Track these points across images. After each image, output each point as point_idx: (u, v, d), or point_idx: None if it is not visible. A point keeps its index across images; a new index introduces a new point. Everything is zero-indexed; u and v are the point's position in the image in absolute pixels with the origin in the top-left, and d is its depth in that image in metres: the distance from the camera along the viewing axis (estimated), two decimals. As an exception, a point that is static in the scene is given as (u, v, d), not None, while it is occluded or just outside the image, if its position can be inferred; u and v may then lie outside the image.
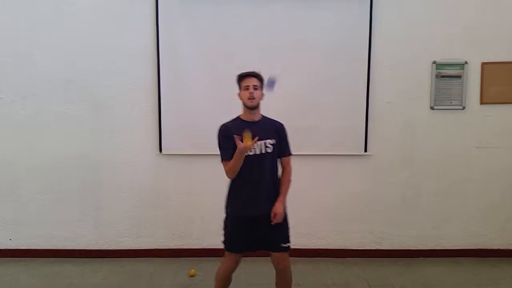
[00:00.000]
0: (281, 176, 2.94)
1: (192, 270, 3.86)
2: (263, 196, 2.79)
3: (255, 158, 2.71)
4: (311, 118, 4.11)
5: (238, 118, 2.83)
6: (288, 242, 2.92)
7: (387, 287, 3.60)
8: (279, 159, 2.89)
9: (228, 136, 2.67)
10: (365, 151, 4.16)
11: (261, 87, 2.78)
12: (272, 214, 2.77)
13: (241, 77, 2.79)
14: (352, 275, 3.89)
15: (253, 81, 2.73)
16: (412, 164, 4.21)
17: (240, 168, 2.66)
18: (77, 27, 4.05)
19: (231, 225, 2.90)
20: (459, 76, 4.09)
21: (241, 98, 2.78)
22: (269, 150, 2.76)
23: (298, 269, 3.98)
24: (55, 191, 4.20)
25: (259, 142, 2.69)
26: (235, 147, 2.60)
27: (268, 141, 2.76)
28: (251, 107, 2.74)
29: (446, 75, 4.09)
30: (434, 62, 4.08)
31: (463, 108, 4.13)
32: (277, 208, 2.79)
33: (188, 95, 4.09)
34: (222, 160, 2.76)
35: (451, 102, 4.13)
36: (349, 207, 4.26)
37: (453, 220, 4.23)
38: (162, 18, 4.02)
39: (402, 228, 4.26)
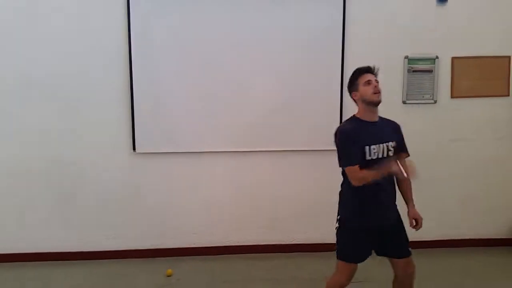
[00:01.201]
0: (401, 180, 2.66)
1: (169, 270, 3.80)
2: (387, 204, 2.57)
3: (379, 163, 2.43)
4: (288, 114, 4.12)
5: (355, 118, 2.56)
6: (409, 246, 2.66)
7: (366, 280, 3.64)
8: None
9: (354, 139, 2.43)
10: (340, 146, 4.19)
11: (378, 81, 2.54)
12: (411, 221, 2.58)
13: (359, 73, 2.54)
14: (331, 268, 3.91)
15: (373, 76, 2.52)
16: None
17: None
18: (42, 24, 3.90)
19: (350, 236, 2.58)
20: (430, 71, 4.18)
21: (361, 96, 2.50)
22: (391, 154, 2.51)
23: (276, 265, 4.00)
24: (27, 194, 4.05)
25: (381, 145, 2.47)
26: (361, 154, 2.41)
27: (390, 143, 2.52)
28: (377, 103, 2.48)
29: (418, 69, 4.16)
30: (406, 57, 4.14)
31: (435, 102, 4.22)
32: (416, 213, 2.60)
33: (163, 91, 4.01)
34: (348, 165, 2.44)
35: (423, 96, 4.21)
36: (323, 201, 4.26)
37: (428, 212, 4.31)
38: (133, 12, 3.91)
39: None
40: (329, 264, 3.95)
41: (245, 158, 4.18)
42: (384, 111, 4.11)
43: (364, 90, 2.47)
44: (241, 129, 4.10)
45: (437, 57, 4.16)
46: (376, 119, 2.54)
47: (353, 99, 2.59)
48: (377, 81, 2.50)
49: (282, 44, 4.05)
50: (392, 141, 2.52)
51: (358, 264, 2.60)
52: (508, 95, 4.27)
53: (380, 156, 2.45)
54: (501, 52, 4.23)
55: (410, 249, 2.61)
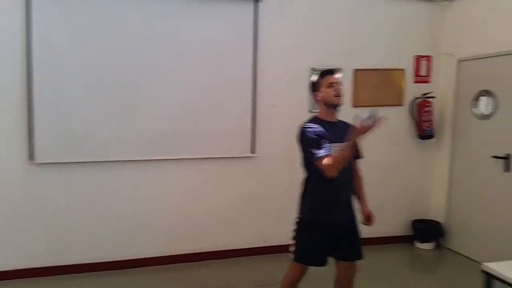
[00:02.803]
0: (355, 179, 2.75)
1: (72, 288, 3.56)
2: (348, 202, 2.63)
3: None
4: (200, 122, 4.10)
5: (316, 118, 2.60)
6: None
7: (274, 282, 3.75)
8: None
9: (319, 133, 2.44)
10: (252, 152, 4.28)
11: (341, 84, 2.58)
12: (365, 217, 2.67)
13: (324, 74, 2.57)
14: (239, 274, 3.99)
15: (336, 78, 2.54)
16: (296, 163, 4.40)
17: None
18: None
19: (310, 235, 2.58)
20: (334, 82, 4.45)
21: (323, 97, 2.54)
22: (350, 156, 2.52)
23: (185, 275, 3.96)
24: None
25: (340, 145, 2.45)
26: (327, 143, 2.41)
27: None
28: (338, 105, 2.53)
29: (324, 80, 4.41)
30: (312, 69, 4.37)
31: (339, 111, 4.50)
32: (370, 210, 2.67)
33: (67, 97, 3.74)
34: (320, 157, 2.37)
35: (328, 106, 4.47)
36: (236, 208, 4.34)
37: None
38: (35, 15, 3.58)
39: (289, 224, 4.48)
40: (238, 270, 4.08)
41: (155, 166, 4.06)
42: (294, 118, 4.34)
43: (326, 92, 2.52)
44: (150, 137, 3.97)
45: (340, 69, 4.44)
46: (336, 120, 2.62)
47: (315, 99, 2.63)
48: (340, 84, 2.54)
49: (194, 51, 4.02)
50: None
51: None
52: (402, 105, 4.72)
53: None
54: (396, 65, 4.65)
55: (361, 253, 2.66)
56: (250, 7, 4.11)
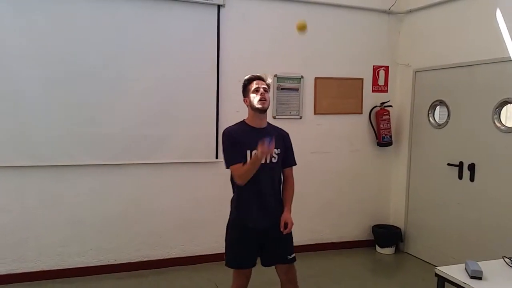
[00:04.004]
0: (284, 185, 2.74)
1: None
2: (271, 207, 2.63)
3: (262, 167, 2.48)
4: (163, 126, 4.07)
5: (243, 122, 2.64)
6: (293, 253, 2.69)
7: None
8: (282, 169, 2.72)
9: (235, 140, 2.53)
10: (216, 157, 4.28)
11: (268, 91, 2.61)
12: (282, 224, 2.58)
13: (249, 81, 2.60)
14: (203, 280, 3.96)
15: (263, 84, 2.58)
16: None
17: None
18: None
19: (235, 236, 2.66)
20: (296, 89, 4.54)
21: (248, 102, 2.59)
22: (274, 160, 2.58)
23: (149, 282, 3.89)
24: None
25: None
26: (243, 157, 2.48)
27: (274, 150, 2.53)
28: (262, 110, 2.56)
29: (286, 87, 4.50)
30: (275, 76, 4.44)
31: (300, 117, 4.59)
32: (288, 217, 2.61)
33: (19, 97, 3.63)
34: (231, 164, 2.52)
35: (290, 112, 4.55)
36: (201, 213, 4.32)
37: (294, 218, 4.65)
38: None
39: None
40: (202, 276, 4.05)
41: (116, 171, 4.00)
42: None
43: (252, 97, 2.56)
44: (111, 141, 3.91)
45: (302, 77, 4.55)
46: (264, 125, 2.63)
47: (245, 104, 2.66)
48: (265, 90, 2.57)
49: (156, 55, 4.01)
50: (277, 148, 2.57)
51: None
52: (361, 113, 4.86)
53: (263, 161, 2.47)
54: (356, 75, 4.80)
55: (291, 256, 2.67)
56: (213, 12, 4.15)
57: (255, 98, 2.54)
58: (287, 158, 2.71)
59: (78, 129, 3.80)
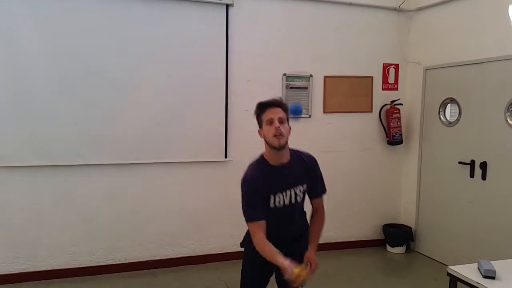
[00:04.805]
0: (313, 219, 2.38)
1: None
2: (296, 236, 2.35)
3: (283, 210, 2.19)
4: (172, 126, 4.09)
5: (262, 160, 2.21)
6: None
7: None
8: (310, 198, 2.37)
9: (255, 189, 2.13)
10: (225, 157, 4.29)
11: (288, 119, 2.15)
12: (305, 261, 2.19)
13: (261, 108, 2.15)
14: (213, 279, 3.97)
15: (278, 112, 2.11)
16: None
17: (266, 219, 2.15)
18: None
19: (250, 271, 2.41)
20: (306, 88, 4.53)
21: (263, 136, 2.14)
22: (299, 199, 2.24)
23: (159, 281, 3.91)
24: None
25: (288, 191, 2.19)
26: (264, 202, 2.14)
27: (300, 188, 2.23)
28: (279, 147, 2.10)
29: (295, 86, 4.49)
30: (284, 74, 4.43)
31: (310, 116, 4.58)
32: (312, 257, 2.21)
33: (31, 97, 3.67)
34: (250, 221, 2.15)
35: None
36: (211, 213, 4.33)
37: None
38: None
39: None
40: (213, 275, 4.06)
41: (127, 171, 4.03)
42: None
43: (266, 131, 2.11)
44: (121, 140, 3.94)
45: (311, 76, 4.53)
46: (285, 160, 2.20)
47: (260, 137, 2.22)
48: (282, 120, 2.11)
49: (166, 54, 4.02)
50: (302, 184, 2.25)
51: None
52: (371, 111, 4.83)
53: (287, 203, 2.21)
54: (365, 73, 4.77)
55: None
56: (222, 11, 4.16)
57: (269, 132, 2.09)
58: (316, 187, 2.33)
59: (90, 129, 3.84)
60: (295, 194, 2.23)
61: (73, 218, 3.91)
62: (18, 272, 3.78)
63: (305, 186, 2.26)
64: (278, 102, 2.16)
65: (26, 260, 3.81)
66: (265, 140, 2.16)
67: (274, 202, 2.18)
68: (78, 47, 3.76)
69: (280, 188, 2.17)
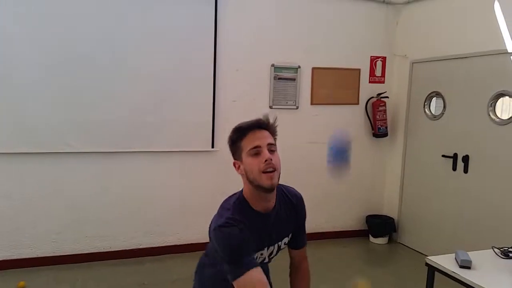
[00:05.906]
0: (298, 276, 1.95)
1: (22, 282, 3.44)
2: None
3: (265, 267, 1.77)
4: (160, 114, 4.07)
5: (244, 202, 1.61)
6: None
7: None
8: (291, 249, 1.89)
9: (247, 242, 1.52)
10: (212, 147, 4.30)
11: (275, 146, 1.58)
12: None
13: (241, 133, 1.56)
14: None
15: (266, 137, 1.54)
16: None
17: None
18: None
19: None
20: (293, 79, 4.54)
21: (245, 172, 1.55)
22: (277, 254, 1.79)
23: (145, 269, 3.93)
24: None
25: (271, 247, 1.71)
26: (255, 250, 1.60)
27: (285, 240, 1.77)
28: (271, 189, 1.55)
29: (283, 77, 4.50)
30: (272, 65, 4.44)
31: (297, 107, 4.60)
32: None
33: (18, 84, 3.61)
34: (240, 275, 1.46)
35: (287, 102, 4.56)
36: (197, 202, 4.34)
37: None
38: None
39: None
40: (195, 263, 4.08)
41: (114, 159, 4.02)
42: (254, 114, 4.40)
43: (250, 165, 1.52)
44: (107, 128, 3.92)
45: (299, 67, 4.55)
46: (271, 205, 1.64)
47: (237, 171, 1.62)
48: (271, 147, 1.55)
49: (154, 43, 3.99)
50: (288, 236, 1.78)
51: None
52: (358, 104, 4.87)
53: (266, 260, 1.75)
54: (353, 65, 4.80)
55: None
56: (211, 1, 4.12)
57: (255, 167, 1.51)
58: (302, 236, 1.86)
59: (76, 116, 3.81)
60: (278, 247, 1.74)
61: (59, 206, 3.89)
62: (1, 259, 3.75)
63: (290, 236, 1.79)
64: (264, 123, 1.58)
65: (9, 248, 3.78)
66: (247, 177, 1.56)
67: (256, 259, 1.63)
68: (65, 34, 3.71)
69: (262, 243, 1.65)
